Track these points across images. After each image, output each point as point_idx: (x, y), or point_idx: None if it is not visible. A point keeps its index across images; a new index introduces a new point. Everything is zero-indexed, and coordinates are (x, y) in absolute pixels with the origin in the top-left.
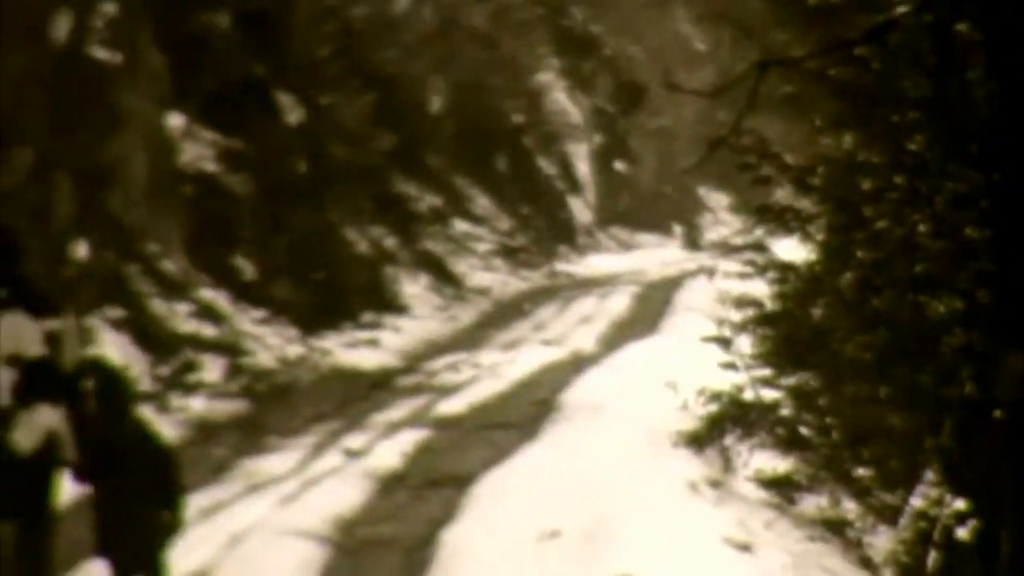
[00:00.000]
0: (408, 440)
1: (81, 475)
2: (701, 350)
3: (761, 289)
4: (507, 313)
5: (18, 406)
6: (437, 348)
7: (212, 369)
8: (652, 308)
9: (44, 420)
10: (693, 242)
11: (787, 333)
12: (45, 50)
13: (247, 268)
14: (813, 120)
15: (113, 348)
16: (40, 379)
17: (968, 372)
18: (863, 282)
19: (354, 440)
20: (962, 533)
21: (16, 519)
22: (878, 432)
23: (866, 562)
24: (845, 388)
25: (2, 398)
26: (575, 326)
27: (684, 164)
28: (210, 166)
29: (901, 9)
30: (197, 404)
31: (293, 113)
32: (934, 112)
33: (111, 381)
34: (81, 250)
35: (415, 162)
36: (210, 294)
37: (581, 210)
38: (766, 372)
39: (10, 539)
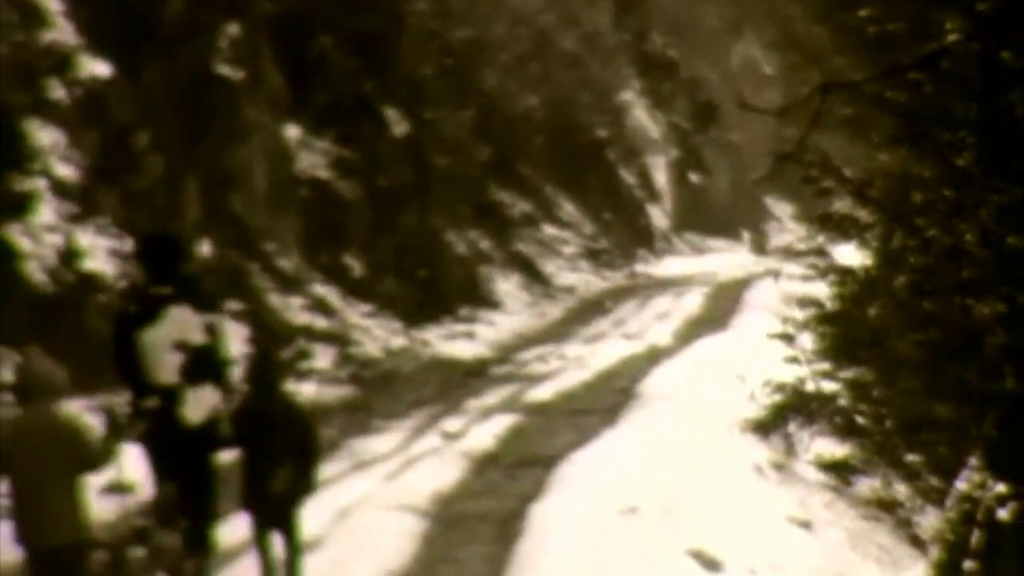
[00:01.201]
0: (500, 424)
1: (233, 443)
2: (767, 345)
3: (822, 291)
4: (590, 310)
5: (185, 385)
6: (527, 341)
7: (323, 357)
8: (722, 307)
9: (208, 398)
10: (760, 247)
11: (845, 331)
12: (177, 67)
13: (356, 266)
14: (870, 138)
15: (235, 339)
16: (203, 363)
17: (1010, 368)
18: (915, 286)
19: (451, 423)
20: (1003, 514)
21: (182, 481)
22: (927, 422)
23: (915, 539)
24: (898, 381)
25: (173, 377)
26: (652, 322)
27: (753, 176)
28: (323, 173)
29: (952, 38)
30: (309, 389)
31: (399, 126)
32: (980, 131)
33: (264, 361)
34: (206, 248)
35: (509, 172)
36: (322, 289)
37: (659, 217)
38: (826, 366)
39: (174, 496)
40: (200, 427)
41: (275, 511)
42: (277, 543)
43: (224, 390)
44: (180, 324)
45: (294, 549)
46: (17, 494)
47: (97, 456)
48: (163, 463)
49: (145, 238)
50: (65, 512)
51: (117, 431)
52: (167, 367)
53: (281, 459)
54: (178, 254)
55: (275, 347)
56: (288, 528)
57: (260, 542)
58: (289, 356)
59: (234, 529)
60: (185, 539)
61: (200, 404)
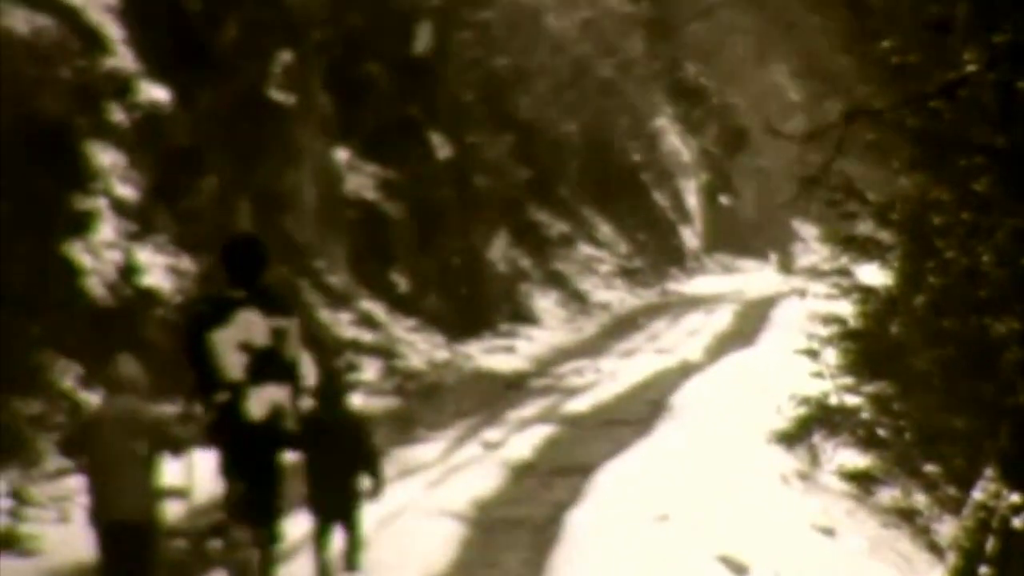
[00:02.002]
0: (538, 434)
1: (297, 445)
2: (793, 360)
3: (845, 309)
4: (625, 326)
5: (249, 383)
6: (564, 355)
7: (370, 370)
8: (750, 323)
9: (270, 396)
10: (786, 267)
11: (867, 347)
12: (231, 92)
13: (401, 283)
14: (891, 163)
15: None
16: (267, 364)
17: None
18: (934, 304)
19: (491, 433)
20: (1017, 523)
21: (248, 477)
22: (945, 434)
23: (933, 546)
24: (917, 396)
25: (238, 375)
26: (683, 338)
27: (780, 199)
28: (370, 194)
29: (969, 68)
30: (356, 399)
31: (443, 149)
32: (997, 157)
33: (330, 376)
34: None
35: (548, 193)
36: (369, 305)
37: (690, 237)
38: (848, 380)
39: (243, 492)
40: (262, 423)
41: (336, 510)
42: (336, 540)
43: (293, 390)
44: (247, 326)
45: (355, 544)
46: (94, 475)
47: (167, 447)
48: (231, 458)
49: (228, 242)
50: (136, 493)
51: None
52: (233, 366)
53: (344, 464)
54: (257, 260)
55: (330, 360)
56: (351, 525)
57: (319, 539)
58: (338, 368)
59: (297, 525)
60: (254, 532)
61: (262, 401)
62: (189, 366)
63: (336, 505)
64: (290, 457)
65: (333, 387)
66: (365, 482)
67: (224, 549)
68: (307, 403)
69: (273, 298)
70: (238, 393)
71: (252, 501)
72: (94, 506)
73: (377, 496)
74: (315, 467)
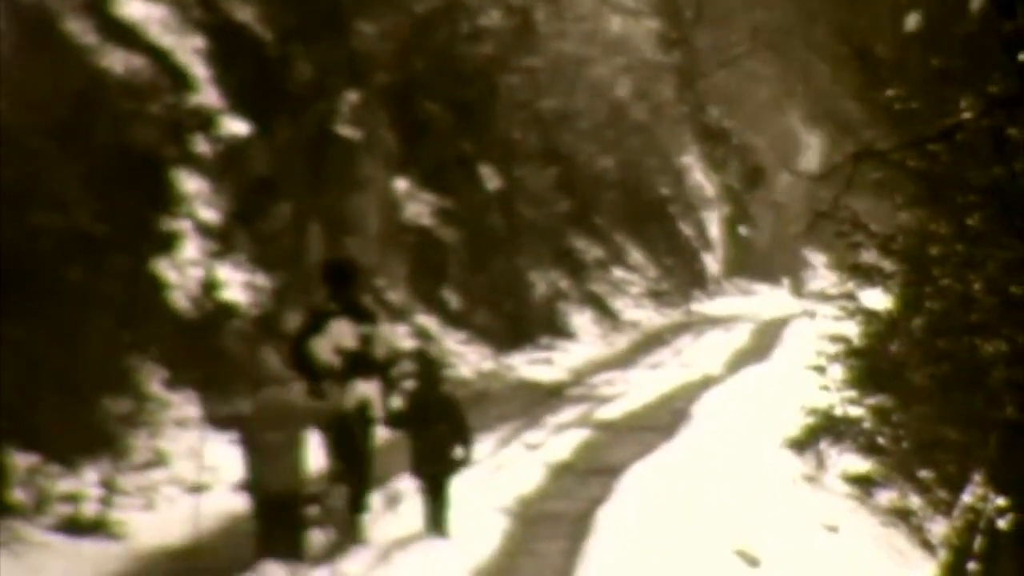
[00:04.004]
0: (574, 437)
1: (392, 425)
2: (803, 374)
3: (850, 329)
4: (652, 342)
5: (343, 380)
6: (598, 367)
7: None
8: (765, 341)
9: (359, 391)
10: (798, 291)
11: (870, 364)
12: (304, 127)
13: (453, 300)
14: (894, 199)
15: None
16: (355, 365)
17: (1011, 399)
18: (930, 326)
19: (532, 436)
20: (1002, 524)
21: (343, 456)
22: (938, 443)
23: (926, 544)
24: (914, 408)
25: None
26: (705, 353)
27: (793, 230)
28: (427, 220)
29: (966, 115)
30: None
31: (492, 181)
32: (990, 195)
33: (430, 363)
34: None
35: (586, 222)
36: (424, 319)
37: (711, 263)
38: (852, 394)
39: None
40: (352, 412)
41: (435, 477)
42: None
43: (382, 382)
44: (339, 334)
45: (443, 504)
46: (253, 455)
47: (309, 424)
48: (329, 440)
49: (325, 263)
50: (286, 470)
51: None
52: (329, 366)
53: (442, 438)
54: (348, 278)
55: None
56: (442, 490)
57: (425, 497)
58: (437, 358)
59: (404, 486)
60: (347, 501)
61: (352, 395)
62: (296, 369)
63: (435, 471)
64: (389, 435)
65: (432, 374)
66: (458, 452)
67: (322, 514)
68: (407, 388)
69: (361, 309)
70: (332, 388)
71: (346, 474)
72: (252, 481)
73: (467, 464)
74: (418, 440)
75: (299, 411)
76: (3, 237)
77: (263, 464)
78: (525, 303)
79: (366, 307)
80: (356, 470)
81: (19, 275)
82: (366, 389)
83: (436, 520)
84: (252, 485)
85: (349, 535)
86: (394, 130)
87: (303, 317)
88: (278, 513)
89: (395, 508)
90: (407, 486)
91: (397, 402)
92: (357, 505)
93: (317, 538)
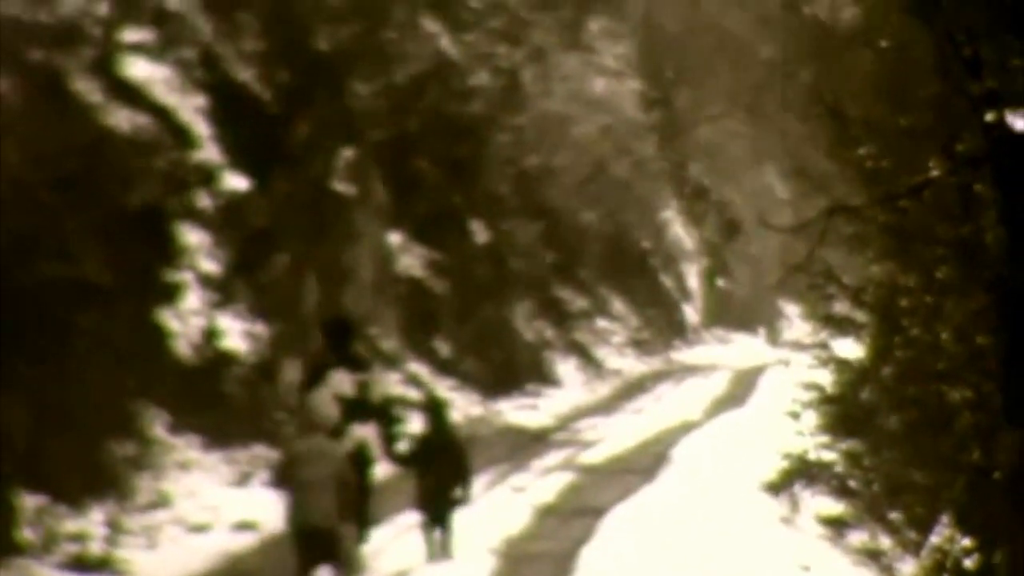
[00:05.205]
0: (559, 480)
1: (401, 464)
2: (778, 420)
3: (824, 377)
4: (634, 389)
5: (343, 425)
6: (582, 413)
7: (415, 423)
8: (742, 388)
9: (357, 434)
10: (773, 340)
11: (842, 411)
12: (301, 183)
13: (444, 348)
14: (866, 253)
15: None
16: (353, 410)
17: (976, 444)
18: (900, 374)
19: (519, 479)
20: (968, 564)
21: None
22: (907, 486)
23: None
24: (884, 452)
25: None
26: (684, 400)
27: (769, 282)
28: (418, 272)
29: (934, 173)
30: (403, 447)
31: (481, 234)
32: (957, 250)
33: (436, 405)
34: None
35: (570, 274)
36: (415, 367)
37: (691, 314)
38: (825, 439)
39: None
40: (351, 454)
41: (438, 511)
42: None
43: (382, 425)
44: (338, 383)
45: (449, 533)
46: (295, 494)
47: (346, 472)
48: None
49: (326, 320)
50: (325, 507)
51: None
52: (331, 413)
53: (446, 477)
54: (346, 333)
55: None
56: (447, 522)
57: (427, 529)
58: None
59: (408, 519)
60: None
61: (351, 438)
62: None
63: (438, 507)
64: (393, 472)
65: (442, 418)
66: (457, 491)
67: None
68: (416, 429)
69: (357, 359)
70: (337, 434)
71: (350, 509)
72: (293, 517)
73: (465, 502)
74: (424, 478)
75: (333, 456)
76: (13, 285)
77: (302, 502)
78: (512, 351)
79: (362, 357)
80: (356, 506)
81: (28, 322)
82: (364, 432)
83: (443, 546)
84: (294, 520)
85: (350, 567)
86: (387, 185)
87: (304, 369)
88: (318, 545)
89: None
90: (411, 520)
91: (404, 444)
92: (357, 538)
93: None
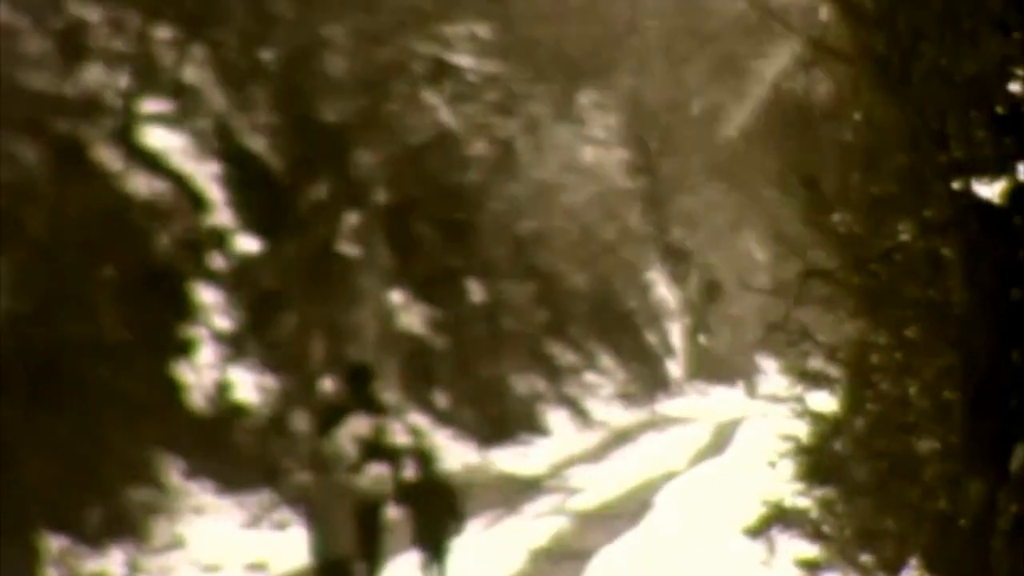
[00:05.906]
0: (550, 524)
1: (402, 503)
2: (756, 469)
3: (799, 428)
4: (621, 439)
5: (360, 464)
6: (572, 461)
7: (413, 470)
8: (722, 438)
9: (372, 473)
10: (752, 394)
11: (816, 460)
12: (309, 245)
13: (442, 400)
14: (840, 312)
15: None
16: (370, 451)
17: (943, 492)
18: (871, 426)
19: (512, 524)
20: None
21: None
22: (878, 532)
23: None
24: (856, 500)
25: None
26: (668, 449)
27: (748, 339)
28: (419, 329)
29: (903, 238)
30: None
31: (478, 294)
32: (925, 310)
33: (427, 453)
34: (327, 385)
35: (561, 331)
36: (416, 417)
37: (674, 368)
38: (801, 486)
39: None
40: (369, 492)
41: (435, 548)
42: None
43: (393, 466)
44: (355, 426)
45: (444, 570)
46: (315, 527)
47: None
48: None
49: (349, 367)
50: (344, 542)
51: None
52: (349, 454)
53: (441, 518)
54: (366, 379)
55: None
56: (443, 560)
57: (425, 567)
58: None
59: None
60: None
61: (366, 477)
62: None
63: (433, 545)
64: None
65: (428, 459)
66: (451, 526)
67: None
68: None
69: (374, 403)
70: (355, 472)
71: (364, 546)
72: (318, 548)
73: (460, 533)
74: (420, 519)
75: (352, 491)
76: (37, 341)
77: (331, 535)
78: (506, 403)
79: (379, 402)
80: (371, 541)
81: (51, 376)
82: (378, 472)
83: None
84: (319, 552)
85: None
86: (390, 247)
87: (323, 412)
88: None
89: None
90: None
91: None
92: (371, 570)
93: None
